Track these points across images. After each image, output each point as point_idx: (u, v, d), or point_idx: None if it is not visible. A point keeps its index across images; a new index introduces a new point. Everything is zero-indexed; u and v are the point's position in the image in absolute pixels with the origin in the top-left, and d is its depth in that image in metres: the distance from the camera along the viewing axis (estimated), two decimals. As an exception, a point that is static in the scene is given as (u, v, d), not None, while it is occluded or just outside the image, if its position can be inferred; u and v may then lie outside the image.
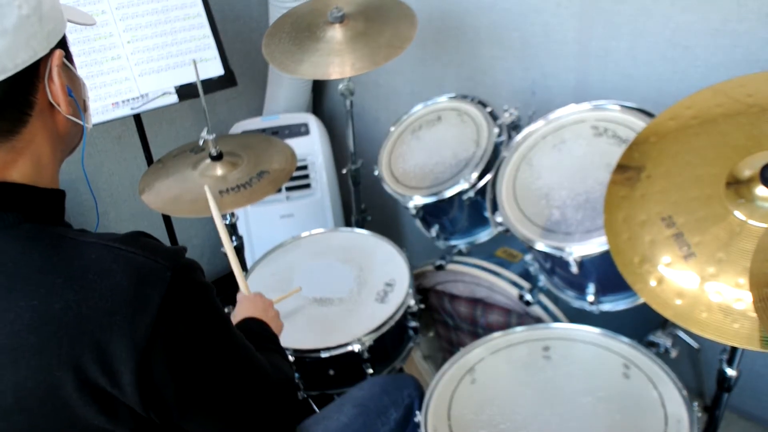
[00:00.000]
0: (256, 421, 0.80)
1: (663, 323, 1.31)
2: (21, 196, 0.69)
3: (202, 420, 0.74)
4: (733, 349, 1.12)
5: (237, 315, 1.10)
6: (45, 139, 0.72)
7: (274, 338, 1.04)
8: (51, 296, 0.64)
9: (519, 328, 1.26)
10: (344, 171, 1.83)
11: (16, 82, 0.66)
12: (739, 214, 0.89)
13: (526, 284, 1.44)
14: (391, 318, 1.35)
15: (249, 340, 0.82)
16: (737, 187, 0.91)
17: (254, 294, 1.16)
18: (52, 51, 0.70)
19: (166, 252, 0.69)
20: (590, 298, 1.24)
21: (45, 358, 0.63)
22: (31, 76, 0.68)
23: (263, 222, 2.06)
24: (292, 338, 1.29)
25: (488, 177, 1.36)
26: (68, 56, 0.75)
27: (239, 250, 1.59)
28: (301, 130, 2.04)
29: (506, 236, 1.29)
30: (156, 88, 1.60)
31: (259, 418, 0.81)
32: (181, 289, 0.68)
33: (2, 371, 0.64)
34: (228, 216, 1.52)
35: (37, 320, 0.63)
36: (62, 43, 0.73)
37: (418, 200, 1.43)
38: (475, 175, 1.37)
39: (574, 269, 1.15)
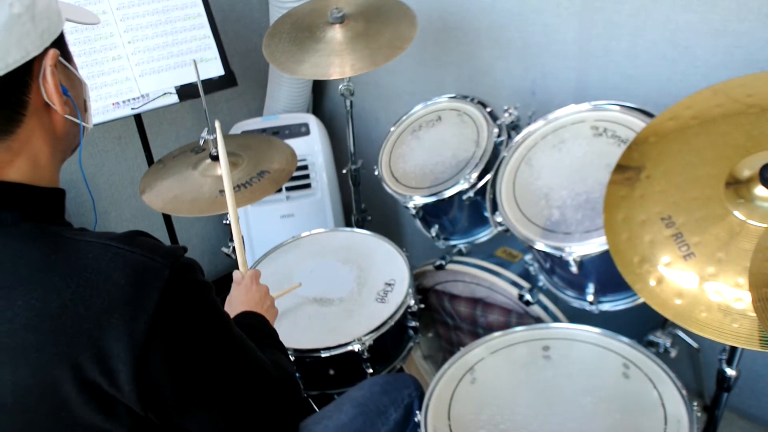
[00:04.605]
0: (256, 419, 0.80)
1: (663, 323, 1.31)
2: (19, 195, 0.69)
3: (201, 419, 0.74)
4: (733, 349, 1.12)
5: (232, 301, 1.08)
6: (42, 138, 0.72)
7: (272, 333, 1.03)
8: (49, 295, 0.64)
9: (519, 328, 1.26)
10: (344, 171, 1.83)
11: (8, 81, 0.66)
12: (738, 214, 0.89)
13: (526, 284, 1.44)
14: (391, 318, 1.35)
15: (247, 336, 0.82)
16: (737, 187, 0.91)
17: (250, 280, 1.13)
18: (46, 50, 0.70)
19: (164, 250, 0.69)
20: (590, 297, 1.24)
21: (43, 356, 0.63)
22: (24, 75, 0.68)
23: (263, 222, 2.06)
24: (292, 338, 1.29)
25: (488, 177, 1.36)
26: (67, 55, 0.75)
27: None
28: (301, 130, 2.04)
29: (506, 236, 1.29)
30: (156, 88, 1.60)
31: (260, 416, 0.81)
32: (179, 288, 0.68)
33: (1, 370, 0.64)
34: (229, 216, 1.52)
35: (35, 319, 0.63)
36: (59, 43, 0.73)
37: (418, 200, 1.43)
38: (474, 175, 1.37)
39: (574, 269, 1.16)
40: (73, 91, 0.76)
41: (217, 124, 1.20)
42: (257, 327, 1.02)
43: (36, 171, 0.71)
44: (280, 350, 0.99)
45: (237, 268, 1.17)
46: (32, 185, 0.71)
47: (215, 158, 1.40)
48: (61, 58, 0.72)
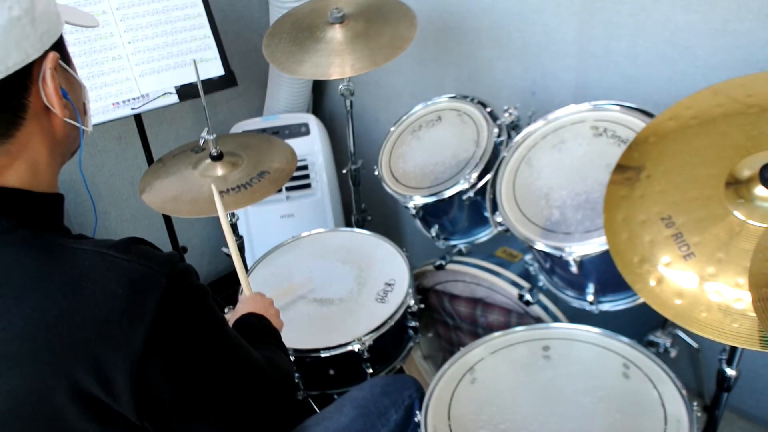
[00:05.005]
0: (254, 419, 0.80)
1: (663, 323, 1.31)
2: (16, 202, 0.69)
3: (201, 424, 0.74)
4: (733, 349, 1.12)
5: (238, 312, 1.10)
6: (41, 142, 0.71)
7: (273, 332, 1.04)
8: (45, 304, 0.63)
9: (519, 328, 1.26)
10: (344, 171, 1.83)
11: (8, 85, 0.65)
12: (738, 214, 0.89)
13: (526, 284, 1.44)
14: (391, 318, 1.35)
15: (247, 334, 0.82)
16: (737, 187, 0.91)
17: (255, 293, 1.16)
18: (46, 53, 0.69)
19: (160, 258, 0.68)
20: (590, 297, 1.24)
21: (38, 365, 0.63)
22: (24, 78, 0.67)
23: (263, 222, 2.06)
24: (292, 338, 1.29)
25: (488, 177, 1.36)
26: (66, 58, 0.74)
27: (239, 250, 1.59)
28: (301, 130, 2.04)
29: (506, 236, 1.29)
30: (156, 88, 1.60)
31: (257, 415, 0.81)
32: (177, 295, 0.67)
33: None
34: (228, 216, 1.52)
35: (31, 328, 0.63)
36: (58, 45, 0.72)
37: (418, 200, 1.43)
38: (474, 175, 1.37)
39: (574, 269, 1.15)
40: (73, 94, 0.75)
41: (214, 189, 1.20)
42: (257, 326, 1.02)
43: (35, 175, 0.71)
44: (280, 348, 0.99)
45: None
46: (30, 191, 0.70)
47: (215, 158, 1.40)
48: (60, 61, 0.72)
